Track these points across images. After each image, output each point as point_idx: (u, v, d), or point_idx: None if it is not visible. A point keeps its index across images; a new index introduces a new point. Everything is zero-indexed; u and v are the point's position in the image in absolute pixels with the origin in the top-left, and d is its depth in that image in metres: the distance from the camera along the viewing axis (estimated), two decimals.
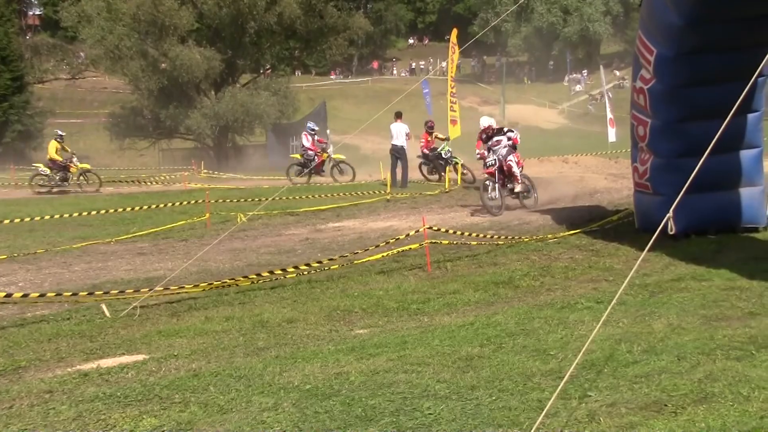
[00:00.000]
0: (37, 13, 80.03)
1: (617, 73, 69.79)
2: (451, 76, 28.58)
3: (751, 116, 11.91)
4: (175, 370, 6.83)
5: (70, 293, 9.77)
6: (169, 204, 18.73)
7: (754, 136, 12.12)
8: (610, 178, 22.75)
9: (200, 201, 18.29)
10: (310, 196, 21.27)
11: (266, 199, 16.50)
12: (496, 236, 13.14)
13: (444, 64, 40.39)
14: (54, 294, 9.73)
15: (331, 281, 10.63)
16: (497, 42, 78.15)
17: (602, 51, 79.48)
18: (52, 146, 27.52)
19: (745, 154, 12.13)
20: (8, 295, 9.41)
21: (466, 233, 13.03)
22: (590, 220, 14.22)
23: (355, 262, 11.35)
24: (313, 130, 27.56)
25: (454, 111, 27.53)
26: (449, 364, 6.46)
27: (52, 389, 6.39)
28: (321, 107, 46.69)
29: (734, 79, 9.91)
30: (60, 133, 29.02)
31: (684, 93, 11.61)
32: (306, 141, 27.18)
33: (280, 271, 10.70)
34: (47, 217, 16.62)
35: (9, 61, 45.69)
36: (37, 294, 9.56)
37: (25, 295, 9.42)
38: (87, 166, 28.62)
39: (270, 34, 45.54)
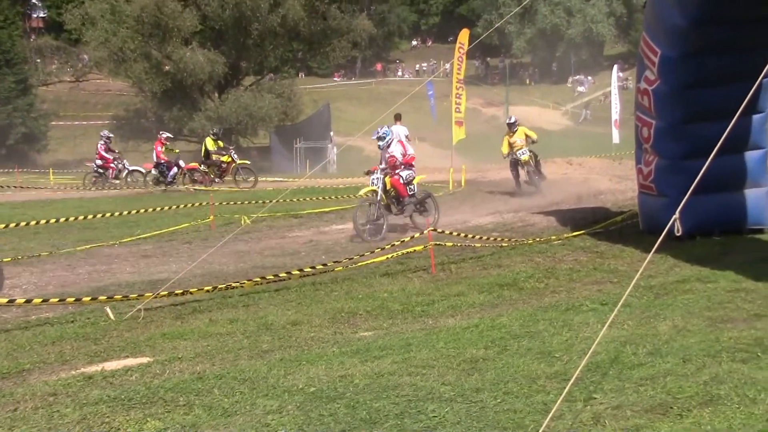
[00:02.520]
0: (41, 15, 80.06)
1: (621, 74, 69.69)
2: (457, 78, 28.50)
3: (756, 117, 11.90)
4: (179, 373, 6.83)
5: (74, 298, 9.77)
6: (174, 206, 18.72)
7: (759, 137, 12.10)
8: (614, 179, 22.73)
9: (204, 203, 18.29)
10: (313, 198, 21.26)
11: (270, 202, 16.50)
12: (500, 238, 13.12)
13: (448, 65, 40.38)
14: (57, 299, 9.71)
15: (335, 283, 10.62)
16: (501, 43, 78.15)
17: (606, 52, 79.41)
18: (209, 143, 27.62)
19: (750, 156, 12.11)
20: (11, 301, 9.42)
21: (470, 235, 13.01)
22: (594, 222, 14.22)
23: (359, 264, 11.34)
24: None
25: (460, 112, 27.46)
26: (454, 367, 6.45)
27: (56, 392, 6.39)
28: (325, 109, 46.78)
29: (739, 80, 9.91)
30: (214, 131, 29.40)
31: (688, 94, 11.60)
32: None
33: (284, 274, 10.69)
34: (52, 220, 16.60)
35: (13, 64, 45.80)
36: (41, 299, 9.55)
37: (28, 301, 9.42)
38: (246, 161, 28.54)
39: (273, 36, 45.58)
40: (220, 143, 28.09)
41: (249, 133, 46.10)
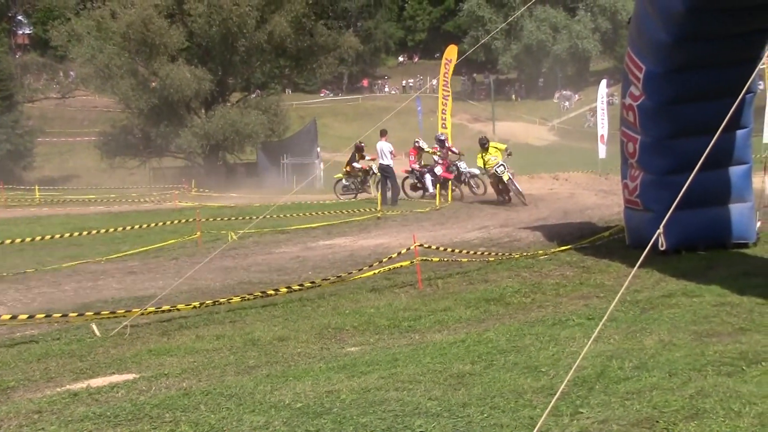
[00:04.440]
0: (27, 32, 79.89)
1: (607, 89, 69.96)
2: (444, 93, 28.60)
3: (740, 133, 11.97)
4: (165, 389, 6.81)
5: (60, 314, 9.73)
6: (160, 223, 18.68)
7: (743, 153, 12.17)
8: (600, 194, 22.82)
9: (191, 220, 18.25)
10: (300, 214, 21.25)
11: (257, 218, 16.47)
12: (486, 253, 13.15)
13: (434, 81, 40.50)
14: (43, 315, 9.67)
15: (322, 299, 10.62)
16: (487, 59, 78.52)
17: (592, 68, 79.79)
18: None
19: (735, 171, 12.18)
20: None
21: (457, 250, 13.04)
22: (581, 237, 14.26)
23: (347, 279, 11.34)
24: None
25: (446, 128, 27.55)
26: (440, 382, 6.46)
27: (41, 409, 6.35)
28: (311, 125, 46.72)
29: (723, 96, 9.99)
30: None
31: (673, 109, 11.67)
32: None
33: (272, 291, 10.67)
34: (37, 237, 16.55)
35: None
36: (26, 315, 9.50)
37: (13, 317, 9.37)
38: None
39: (260, 53, 45.54)
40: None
41: (236, 149, 45.98)
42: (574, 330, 7.97)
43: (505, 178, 21.54)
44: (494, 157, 21.69)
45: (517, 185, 21.99)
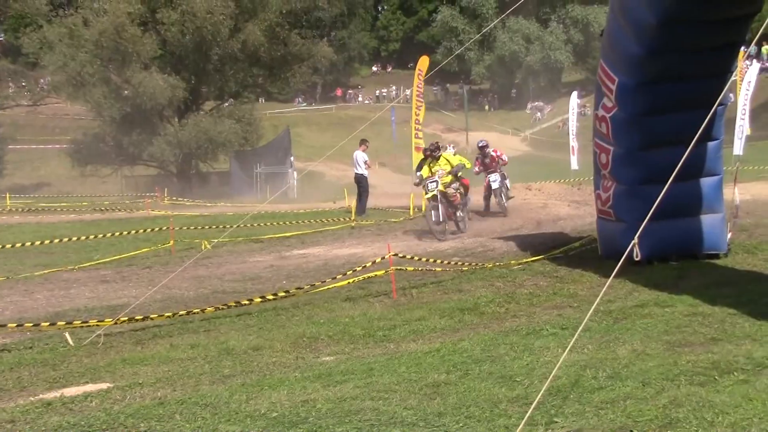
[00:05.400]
0: None
1: (579, 101, 70.42)
2: (416, 103, 28.66)
3: (711, 144, 12.08)
4: (140, 399, 6.78)
5: (32, 323, 9.67)
6: (133, 231, 18.60)
7: (714, 164, 12.28)
8: (573, 205, 22.93)
9: (164, 228, 18.19)
10: (274, 223, 21.21)
11: (231, 227, 16.44)
12: (460, 263, 13.19)
13: (408, 91, 40.56)
14: (15, 324, 9.61)
15: (296, 308, 10.61)
16: (460, 70, 78.79)
17: (564, 79, 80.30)
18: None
19: (706, 182, 12.29)
20: None
21: (431, 260, 13.07)
22: (554, 247, 14.33)
23: (321, 288, 11.34)
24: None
25: (420, 138, 27.60)
26: (416, 391, 6.47)
27: (14, 419, 6.31)
28: (285, 134, 46.75)
29: (695, 108, 10.10)
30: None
31: (646, 121, 11.77)
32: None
33: (246, 301, 10.65)
34: (8, 245, 16.41)
35: None
36: None
37: None
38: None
39: (234, 62, 45.53)
40: None
41: (209, 157, 45.92)
42: (548, 340, 8.01)
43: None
44: (442, 170, 18.16)
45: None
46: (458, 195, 18.39)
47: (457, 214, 18.43)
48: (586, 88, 60.35)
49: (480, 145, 22.66)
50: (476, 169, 21.98)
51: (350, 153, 25.02)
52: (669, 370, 6.59)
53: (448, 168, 18.35)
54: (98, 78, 43.11)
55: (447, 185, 18.03)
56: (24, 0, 54.46)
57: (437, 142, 20.16)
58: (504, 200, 21.45)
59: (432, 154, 18.65)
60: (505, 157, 22.44)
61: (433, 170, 18.20)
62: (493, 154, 22.00)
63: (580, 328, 6.05)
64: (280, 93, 70.97)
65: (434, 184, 17.82)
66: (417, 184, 18.75)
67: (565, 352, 5.87)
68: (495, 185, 21.25)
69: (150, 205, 29.47)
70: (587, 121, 50.17)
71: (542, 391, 5.50)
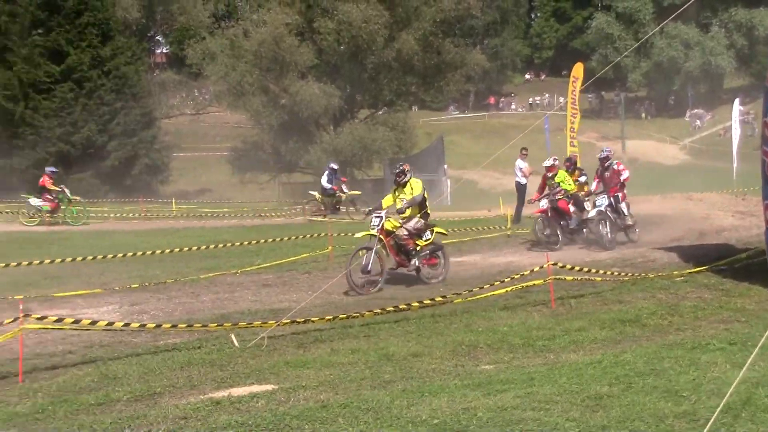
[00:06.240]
0: (164, 51, 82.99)
1: (742, 108, 67.96)
2: (571, 111, 28.33)
3: None
4: (304, 401, 6.95)
5: (201, 324, 10.08)
6: (292, 237, 19.04)
7: None
8: (737, 215, 22.16)
9: (323, 234, 18.54)
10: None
11: None
12: (620, 273, 12.92)
13: (562, 99, 40.09)
14: (185, 325, 10.04)
15: (454, 316, 10.63)
16: (616, 77, 77.09)
17: (726, 85, 77.50)
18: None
19: None
20: (142, 326, 9.81)
21: (591, 270, 12.85)
22: (718, 259, 13.83)
23: (479, 296, 11.33)
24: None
25: (575, 146, 27.27)
26: (578, 403, 6.39)
27: (186, 416, 6.59)
28: (438, 142, 46.95)
29: None
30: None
31: None
32: None
33: (404, 306, 10.76)
34: (176, 249, 17.08)
35: (139, 98, 47.17)
36: (170, 324, 9.89)
37: (158, 326, 9.77)
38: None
39: (388, 70, 46.09)
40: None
41: (363, 165, 46.61)
42: (715, 355, 7.76)
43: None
44: (406, 201, 14.13)
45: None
46: (412, 240, 14.13)
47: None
48: (750, 95, 58.11)
49: (601, 156, 18.92)
50: (594, 185, 18.87)
51: (504, 161, 24.95)
52: None
53: (409, 197, 14.20)
54: (257, 87, 44.49)
55: (405, 221, 14.19)
56: (189, 13, 56.92)
57: (404, 165, 14.87)
58: (610, 234, 17.41)
59: (396, 179, 14.65)
60: (626, 174, 18.52)
61: (398, 199, 14.40)
62: (616, 167, 18.46)
63: (760, 345, 5.83)
64: (434, 101, 71.36)
65: (378, 219, 13.84)
66: (367, 214, 15.38)
67: (744, 369, 5.67)
68: (592, 213, 17.69)
69: (308, 211, 30.04)
70: (750, 129, 48.43)
71: (718, 410, 5.33)
